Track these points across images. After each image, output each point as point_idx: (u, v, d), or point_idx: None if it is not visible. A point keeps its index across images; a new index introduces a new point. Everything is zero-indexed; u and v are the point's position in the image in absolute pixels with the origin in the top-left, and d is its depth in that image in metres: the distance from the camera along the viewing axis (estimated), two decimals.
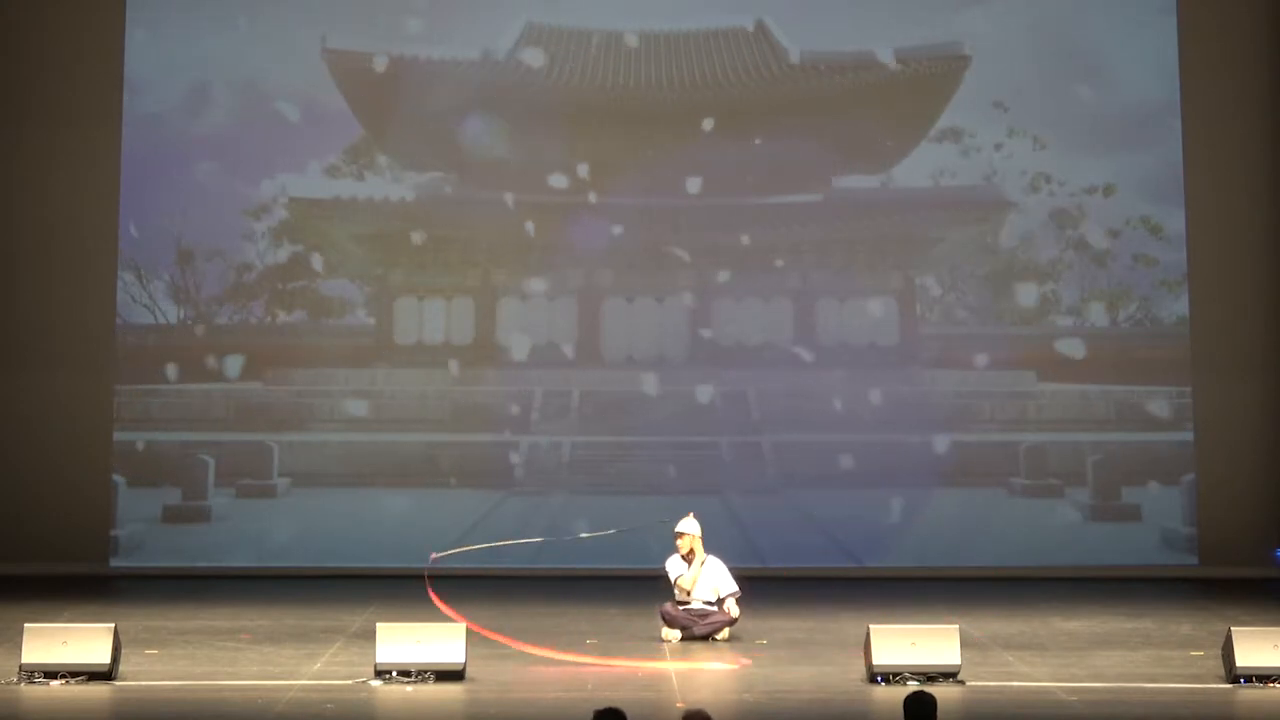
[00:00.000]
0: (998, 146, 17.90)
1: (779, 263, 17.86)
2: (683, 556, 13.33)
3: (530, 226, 17.80)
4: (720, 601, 13.24)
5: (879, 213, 17.94)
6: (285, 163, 17.76)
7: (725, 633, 13.20)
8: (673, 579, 13.33)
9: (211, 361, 17.58)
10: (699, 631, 13.15)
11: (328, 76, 17.74)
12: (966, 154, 17.90)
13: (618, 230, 17.80)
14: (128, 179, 17.58)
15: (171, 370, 17.59)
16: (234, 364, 17.60)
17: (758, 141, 17.80)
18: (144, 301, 17.64)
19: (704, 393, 17.72)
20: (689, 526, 13.37)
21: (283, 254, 17.80)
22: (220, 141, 17.75)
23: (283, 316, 17.75)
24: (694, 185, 17.79)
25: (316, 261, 17.79)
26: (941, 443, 17.58)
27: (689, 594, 13.28)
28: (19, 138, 17.63)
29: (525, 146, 17.80)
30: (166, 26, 17.73)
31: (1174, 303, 17.85)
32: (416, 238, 17.81)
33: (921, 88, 17.90)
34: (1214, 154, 17.80)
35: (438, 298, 17.85)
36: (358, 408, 17.68)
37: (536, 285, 17.86)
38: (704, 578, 13.30)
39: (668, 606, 13.29)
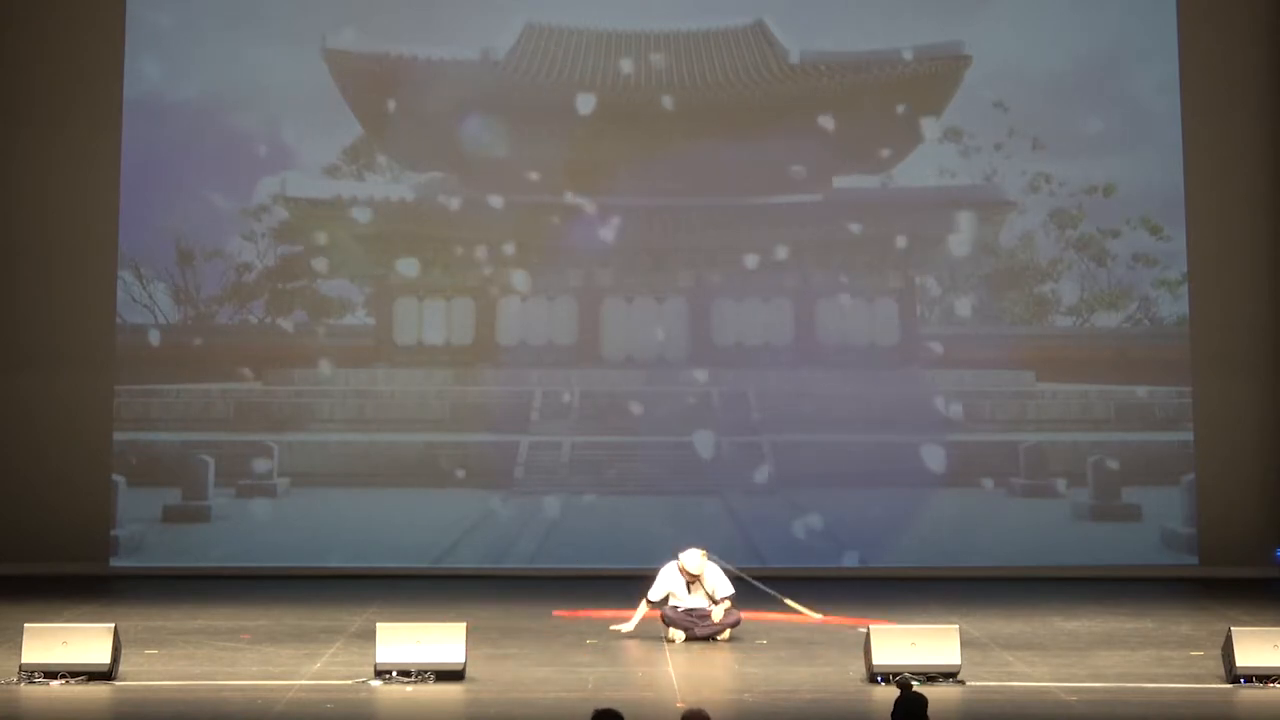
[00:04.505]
0: (998, 146, 17.89)
1: (779, 263, 17.86)
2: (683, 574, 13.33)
3: (530, 226, 17.79)
4: (717, 604, 13.22)
5: (879, 213, 17.93)
6: (285, 163, 17.76)
7: (727, 633, 13.19)
8: (657, 598, 13.23)
9: (211, 361, 17.58)
10: (700, 633, 13.14)
11: (328, 76, 17.74)
12: (966, 154, 17.89)
13: (617, 230, 17.79)
14: (128, 179, 17.57)
15: (171, 370, 17.58)
16: (234, 364, 17.63)
17: (758, 142, 17.79)
18: (144, 301, 17.63)
19: (704, 393, 17.72)
20: (694, 567, 13.25)
21: (283, 254, 17.79)
22: (220, 141, 17.73)
23: (282, 317, 17.74)
24: (694, 185, 17.78)
25: (316, 261, 17.79)
26: (941, 442, 17.57)
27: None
28: (19, 138, 17.63)
29: (525, 146, 17.79)
30: (166, 26, 17.72)
31: (1174, 303, 17.84)
32: (416, 238, 17.80)
33: (921, 88, 17.90)
34: (1214, 154, 17.79)
35: (438, 298, 17.84)
36: (358, 408, 17.68)
37: (536, 285, 17.86)
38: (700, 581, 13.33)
39: (667, 609, 13.28)
